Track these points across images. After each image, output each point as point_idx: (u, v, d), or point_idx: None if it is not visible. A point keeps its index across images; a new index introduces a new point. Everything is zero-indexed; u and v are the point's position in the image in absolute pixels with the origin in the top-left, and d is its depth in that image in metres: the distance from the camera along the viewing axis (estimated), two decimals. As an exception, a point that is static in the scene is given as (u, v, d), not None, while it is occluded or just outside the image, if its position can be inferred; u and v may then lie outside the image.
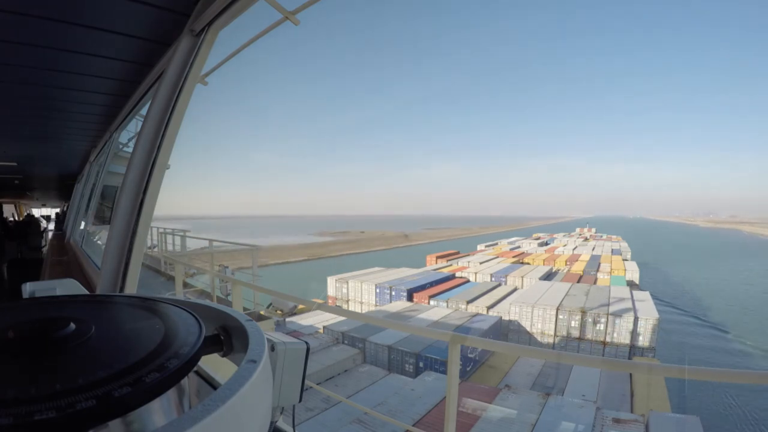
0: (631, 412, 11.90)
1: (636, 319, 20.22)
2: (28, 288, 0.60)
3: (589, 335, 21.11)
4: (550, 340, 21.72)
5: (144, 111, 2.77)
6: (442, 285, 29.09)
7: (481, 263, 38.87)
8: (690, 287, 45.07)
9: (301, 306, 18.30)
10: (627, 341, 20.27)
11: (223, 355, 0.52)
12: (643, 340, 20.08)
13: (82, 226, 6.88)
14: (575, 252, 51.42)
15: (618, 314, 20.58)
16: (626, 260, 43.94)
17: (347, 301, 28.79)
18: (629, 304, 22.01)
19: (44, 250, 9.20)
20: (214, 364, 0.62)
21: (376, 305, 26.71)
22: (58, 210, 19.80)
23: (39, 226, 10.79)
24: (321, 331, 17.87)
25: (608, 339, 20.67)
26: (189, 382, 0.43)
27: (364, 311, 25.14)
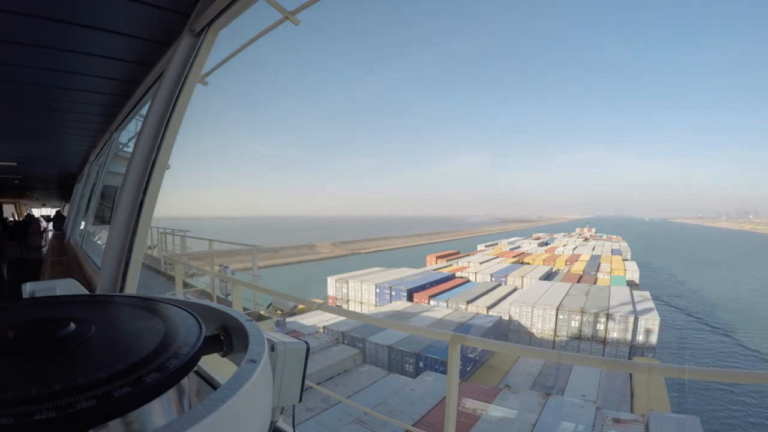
0: (631, 412, 11.88)
1: (636, 319, 20.20)
2: (28, 288, 0.61)
3: (589, 335, 21.12)
4: (550, 340, 21.72)
5: (144, 111, 2.77)
6: (442, 285, 29.03)
7: (481, 263, 38.81)
8: (691, 287, 45.05)
9: (301, 306, 18.29)
10: (627, 341, 20.27)
11: (223, 355, 0.52)
12: (643, 340, 20.07)
13: (82, 226, 6.88)
14: (575, 252, 51.38)
15: (618, 314, 20.58)
16: (626, 260, 43.96)
17: (347, 301, 28.76)
18: (629, 305, 22.01)
19: (44, 250, 9.19)
20: (214, 364, 0.62)
21: (376, 305, 26.67)
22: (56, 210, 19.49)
23: (39, 226, 10.78)
24: (321, 331, 17.86)
25: (608, 339, 20.67)
26: (189, 382, 0.43)
27: (364, 311, 25.11)
